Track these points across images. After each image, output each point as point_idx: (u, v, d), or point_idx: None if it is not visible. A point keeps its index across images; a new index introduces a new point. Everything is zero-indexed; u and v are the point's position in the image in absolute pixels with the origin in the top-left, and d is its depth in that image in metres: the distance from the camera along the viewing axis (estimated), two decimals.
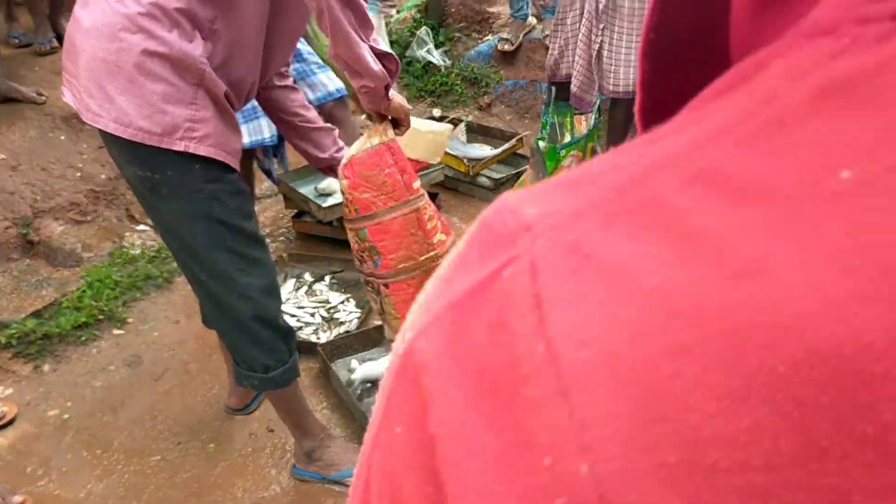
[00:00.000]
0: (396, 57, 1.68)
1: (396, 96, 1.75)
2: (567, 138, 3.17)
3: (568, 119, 3.19)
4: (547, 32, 4.26)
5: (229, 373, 2.31)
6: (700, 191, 0.20)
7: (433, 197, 3.41)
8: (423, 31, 4.80)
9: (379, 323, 2.60)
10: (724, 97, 0.22)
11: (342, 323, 2.77)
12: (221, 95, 1.62)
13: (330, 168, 2.05)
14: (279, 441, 2.34)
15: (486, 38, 4.86)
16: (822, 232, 0.18)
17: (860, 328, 0.17)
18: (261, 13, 1.64)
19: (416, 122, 1.94)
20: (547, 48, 3.73)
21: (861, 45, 0.20)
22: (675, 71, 0.31)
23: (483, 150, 3.78)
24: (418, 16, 5.03)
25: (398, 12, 5.07)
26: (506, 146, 3.75)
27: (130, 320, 2.88)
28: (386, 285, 1.87)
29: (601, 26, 2.85)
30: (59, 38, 3.86)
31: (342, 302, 2.86)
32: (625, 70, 2.90)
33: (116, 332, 2.82)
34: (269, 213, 3.52)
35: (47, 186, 3.24)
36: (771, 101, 0.20)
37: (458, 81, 4.68)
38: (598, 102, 3.08)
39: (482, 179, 3.62)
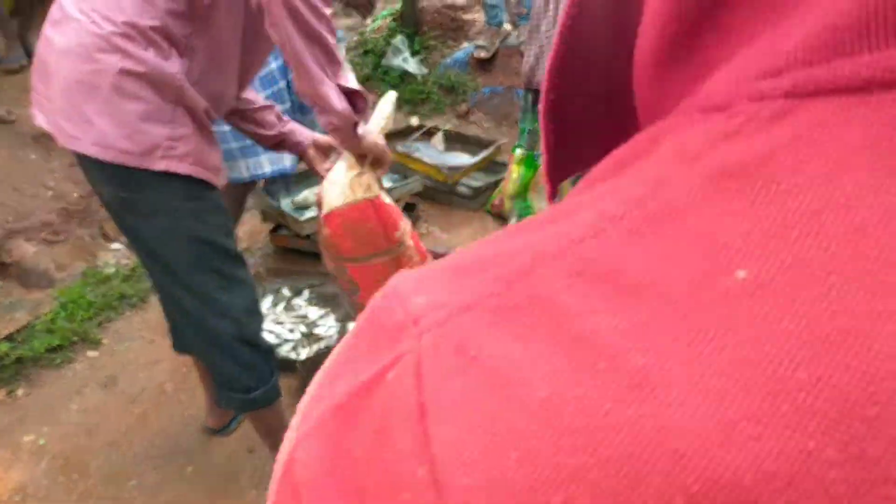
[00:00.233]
0: (366, 94, 1.64)
1: (371, 135, 1.70)
2: None
3: None
4: (523, 39, 4.25)
5: (207, 393, 2.27)
6: (587, 288, 0.18)
7: (412, 208, 3.39)
8: (399, 40, 4.78)
9: None
10: (618, 175, 0.21)
11: (322, 338, 2.73)
12: (200, 111, 1.60)
13: (278, 144, 2.00)
14: (259, 462, 2.30)
15: (463, 45, 4.85)
16: (716, 341, 0.16)
17: (759, 455, 0.15)
18: (236, 26, 1.61)
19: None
20: (523, 55, 3.72)
21: (755, 125, 0.18)
22: (580, 131, 0.30)
23: (461, 159, 3.76)
24: (393, 24, 5.01)
25: (373, 21, 5.05)
26: (484, 154, 3.73)
27: (105, 341, 2.83)
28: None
29: None
30: (29, 55, 3.81)
31: (321, 317, 2.82)
32: None
33: (91, 353, 2.77)
34: (246, 227, 3.48)
35: (20, 207, 3.19)
36: (662, 186, 0.19)
37: (435, 90, 4.67)
38: None
39: (461, 188, 3.60)
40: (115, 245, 3.28)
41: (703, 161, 0.19)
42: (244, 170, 2.64)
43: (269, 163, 2.61)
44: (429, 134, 3.96)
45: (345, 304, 1.93)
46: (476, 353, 0.19)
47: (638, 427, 0.16)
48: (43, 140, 3.41)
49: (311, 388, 0.24)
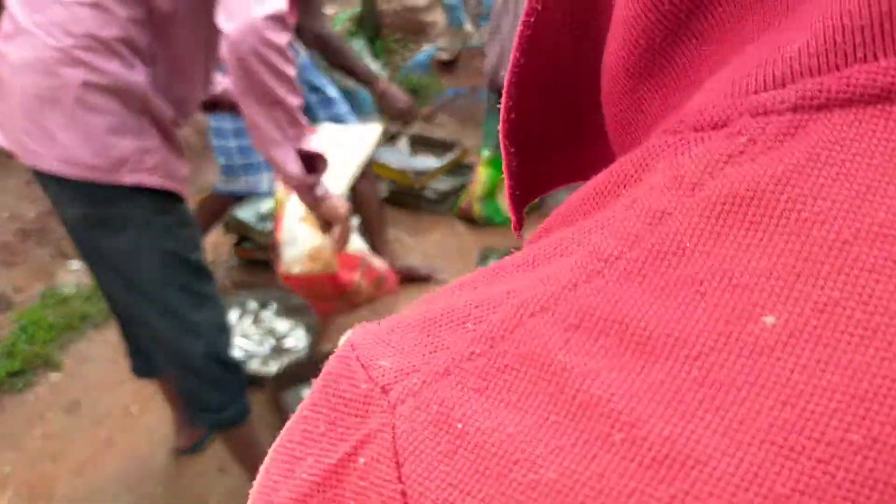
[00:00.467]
0: (325, 158, 1.59)
1: (333, 199, 1.65)
2: None
3: None
4: (485, 39, 4.24)
5: (175, 413, 2.22)
6: (588, 343, 0.16)
7: None
8: (359, 44, 4.74)
9: (330, 347, 2.53)
10: (602, 206, 0.18)
11: (291, 351, 2.69)
12: (167, 121, 1.56)
13: (212, 105, 1.94)
14: (231, 481, 2.25)
15: (424, 48, 4.82)
16: (751, 402, 0.14)
17: None
18: (198, 30, 1.57)
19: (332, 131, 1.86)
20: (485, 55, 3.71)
21: (761, 144, 0.16)
22: (545, 152, 0.27)
23: (427, 162, 3.73)
24: (353, 28, 4.97)
25: (332, 25, 5.01)
26: (450, 157, 3.70)
27: (67, 363, 2.76)
28: None
29: None
30: None
31: (290, 329, 2.78)
32: None
33: (53, 376, 2.70)
34: (209, 239, 3.42)
35: None
36: (660, 219, 0.16)
37: None
38: None
39: (428, 192, 3.57)
40: (75, 265, 3.21)
41: (705, 188, 0.16)
42: (243, 184, 2.62)
43: (267, 181, 2.58)
44: (393, 138, 3.92)
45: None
46: (464, 426, 0.16)
47: None
48: None
49: (261, 476, 0.21)
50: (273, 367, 2.60)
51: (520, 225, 0.28)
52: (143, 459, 2.35)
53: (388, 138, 3.95)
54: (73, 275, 3.17)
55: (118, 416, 2.52)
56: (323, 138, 1.87)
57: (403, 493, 0.16)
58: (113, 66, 1.45)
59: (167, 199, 1.59)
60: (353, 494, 0.17)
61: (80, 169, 1.46)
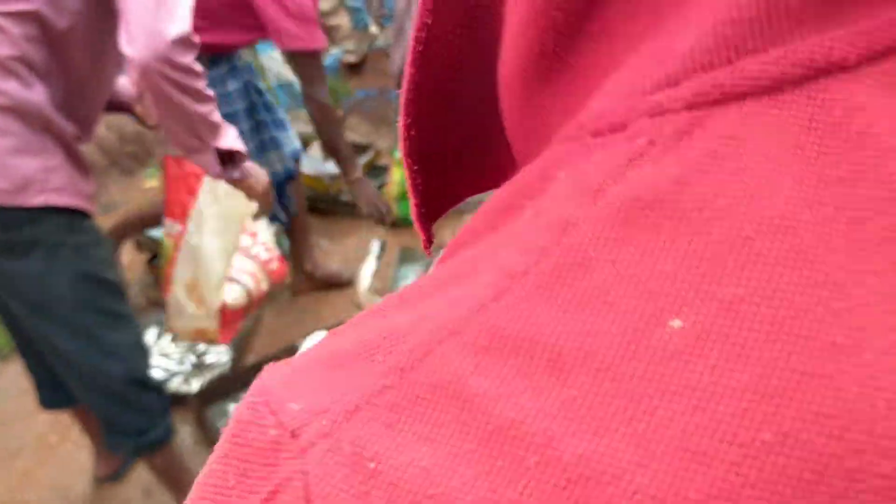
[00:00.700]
0: (244, 151, 1.66)
1: (252, 178, 1.72)
2: None
3: None
4: (391, 41, 4.23)
5: (94, 440, 2.15)
6: (499, 365, 0.15)
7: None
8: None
9: (256, 361, 2.49)
10: (508, 220, 0.18)
11: (214, 367, 2.62)
12: (69, 138, 1.51)
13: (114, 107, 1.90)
14: None
15: (331, 51, 4.78)
16: (662, 409, 0.14)
17: None
18: (94, 45, 1.53)
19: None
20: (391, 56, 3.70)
21: (660, 146, 0.16)
22: (450, 167, 0.26)
23: None
24: None
25: None
26: (364, 159, 3.68)
27: None
28: None
29: None
30: None
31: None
32: None
33: None
34: (123, 258, 3.32)
35: None
36: (566, 230, 0.16)
37: None
38: None
39: (344, 196, 3.54)
40: None
41: (608, 195, 0.16)
42: None
43: None
44: (306, 144, 3.88)
45: None
46: (377, 466, 0.15)
47: None
48: None
49: None
50: (196, 385, 2.53)
51: (430, 242, 0.27)
52: (65, 490, 2.26)
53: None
54: None
55: (35, 448, 2.41)
56: None
57: None
58: (10, 86, 1.40)
59: (77, 218, 1.54)
60: None
61: None
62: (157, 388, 1.79)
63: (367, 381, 0.17)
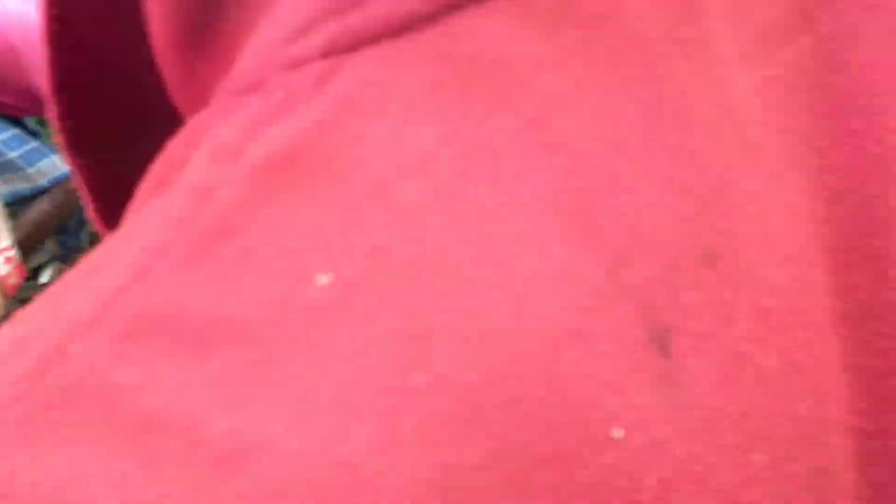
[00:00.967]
0: None
1: None
2: None
3: None
4: None
5: None
6: (141, 352, 0.14)
7: None
8: None
9: None
10: (158, 195, 0.16)
11: None
12: None
13: None
14: None
15: None
16: (314, 370, 0.13)
17: (389, 494, 0.12)
18: None
19: None
20: None
21: (298, 99, 0.15)
22: (125, 155, 0.23)
23: None
24: None
25: None
26: None
27: None
28: None
29: None
30: None
31: None
32: None
33: None
34: None
35: None
36: (206, 196, 0.15)
37: None
38: None
39: None
40: None
41: (246, 155, 0.15)
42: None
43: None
44: None
45: None
46: (5, 490, 0.13)
47: None
48: None
49: None
50: None
51: None
52: None
53: None
54: None
55: None
56: None
57: None
58: None
59: None
60: None
61: None
62: None
63: None
